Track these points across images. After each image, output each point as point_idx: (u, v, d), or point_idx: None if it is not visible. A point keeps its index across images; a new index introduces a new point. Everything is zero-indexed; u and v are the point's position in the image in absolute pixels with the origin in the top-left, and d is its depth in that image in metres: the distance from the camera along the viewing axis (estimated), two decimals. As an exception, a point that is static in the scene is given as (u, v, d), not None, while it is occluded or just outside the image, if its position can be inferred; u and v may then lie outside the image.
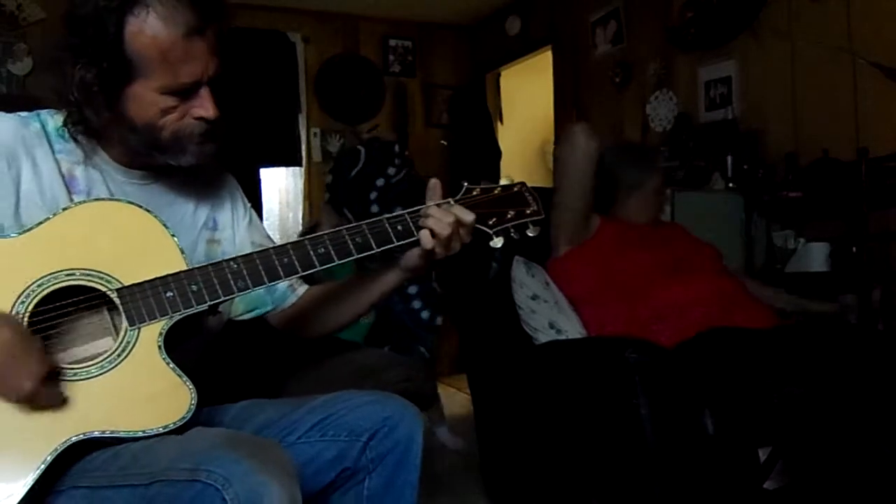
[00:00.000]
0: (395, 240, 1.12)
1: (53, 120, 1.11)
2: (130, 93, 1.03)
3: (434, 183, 1.17)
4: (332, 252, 1.08)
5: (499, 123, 5.40)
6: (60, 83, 1.04)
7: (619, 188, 2.26)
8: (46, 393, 0.90)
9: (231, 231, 1.26)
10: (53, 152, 1.09)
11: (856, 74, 2.83)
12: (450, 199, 1.16)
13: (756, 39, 3.25)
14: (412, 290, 3.74)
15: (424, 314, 3.68)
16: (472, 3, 5.04)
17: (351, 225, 1.11)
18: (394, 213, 1.14)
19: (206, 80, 1.05)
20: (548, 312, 2.12)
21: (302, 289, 1.31)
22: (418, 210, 1.14)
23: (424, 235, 1.11)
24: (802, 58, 3.05)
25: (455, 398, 3.72)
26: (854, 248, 2.62)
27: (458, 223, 1.12)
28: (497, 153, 5.11)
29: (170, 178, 1.18)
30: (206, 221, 1.23)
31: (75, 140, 1.09)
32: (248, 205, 1.32)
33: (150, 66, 1.01)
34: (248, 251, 1.20)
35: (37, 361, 0.89)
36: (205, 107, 1.06)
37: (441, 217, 1.11)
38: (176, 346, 1.01)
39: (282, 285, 1.28)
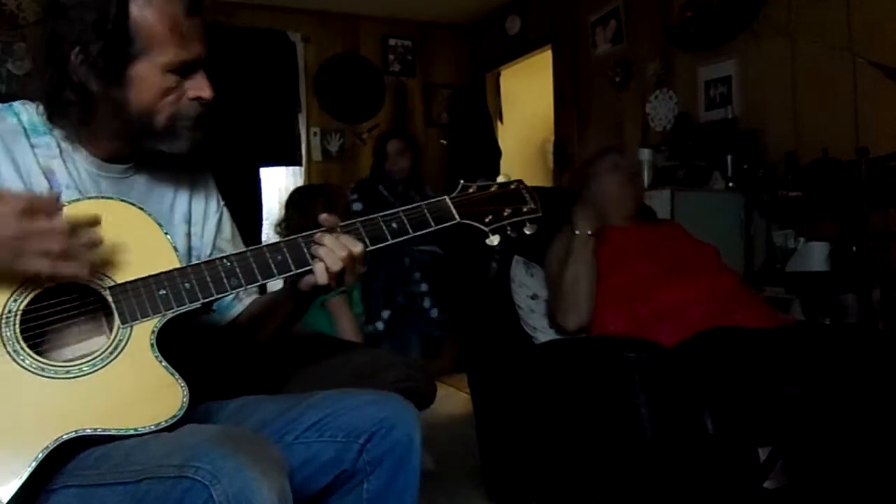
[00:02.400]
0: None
1: (27, 112, 1.10)
2: (133, 74, 1.04)
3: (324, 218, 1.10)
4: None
5: (499, 123, 5.39)
6: (51, 74, 1.04)
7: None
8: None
9: (201, 227, 1.25)
10: (32, 146, 1.08)
11: (856, 74, 2.82)
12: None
13: (756, 39, 3.24)
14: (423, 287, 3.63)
15: (433, 313, 3.59)
16: (472, 3, 5.04)
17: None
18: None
19: (202, 61, 1.08)
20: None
21: (249, 299, 1.27)
22: (311, 234, 1.07)
23: (319, 270, 1.06)
24: (802, 57, 3.04)
25: (455, 398, 3.71)
26: (854, 248, 2.62)
27: (351, 257, 1.06)
28: (497, 153, 5.10)
29: (148, 172, 1.17)
30: (184, 215, 1.22)
31: (51, 133, 1.09)
32: (223, 204, 1.30)
33: (157, 40, 1.02)
34: (210, 248, 1.22)
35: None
36: (202, 87, 1.08)
37: (335, 249, 1.05)
38: (170, 345, 1.00)
39: (228, 297, 1.23)
